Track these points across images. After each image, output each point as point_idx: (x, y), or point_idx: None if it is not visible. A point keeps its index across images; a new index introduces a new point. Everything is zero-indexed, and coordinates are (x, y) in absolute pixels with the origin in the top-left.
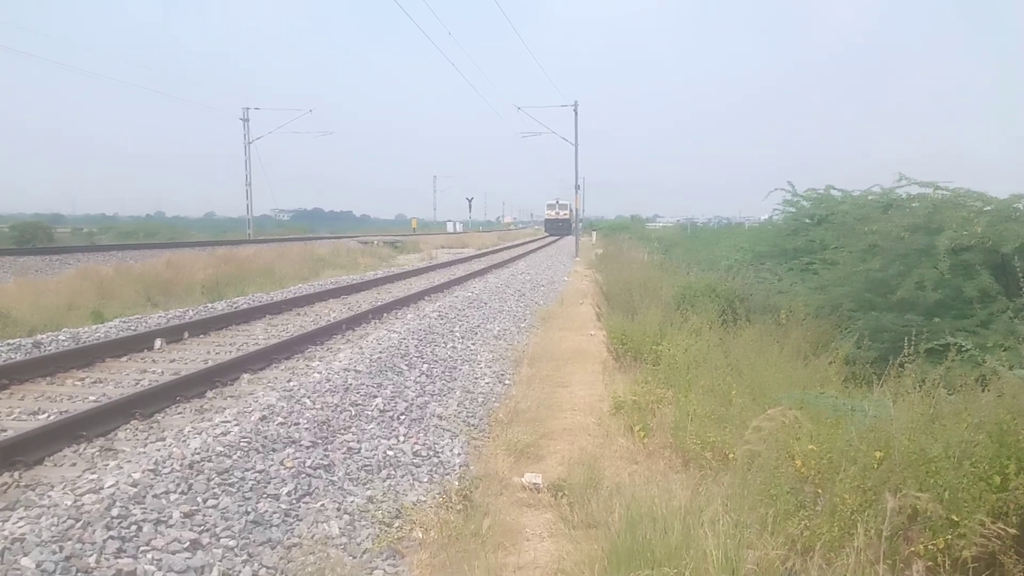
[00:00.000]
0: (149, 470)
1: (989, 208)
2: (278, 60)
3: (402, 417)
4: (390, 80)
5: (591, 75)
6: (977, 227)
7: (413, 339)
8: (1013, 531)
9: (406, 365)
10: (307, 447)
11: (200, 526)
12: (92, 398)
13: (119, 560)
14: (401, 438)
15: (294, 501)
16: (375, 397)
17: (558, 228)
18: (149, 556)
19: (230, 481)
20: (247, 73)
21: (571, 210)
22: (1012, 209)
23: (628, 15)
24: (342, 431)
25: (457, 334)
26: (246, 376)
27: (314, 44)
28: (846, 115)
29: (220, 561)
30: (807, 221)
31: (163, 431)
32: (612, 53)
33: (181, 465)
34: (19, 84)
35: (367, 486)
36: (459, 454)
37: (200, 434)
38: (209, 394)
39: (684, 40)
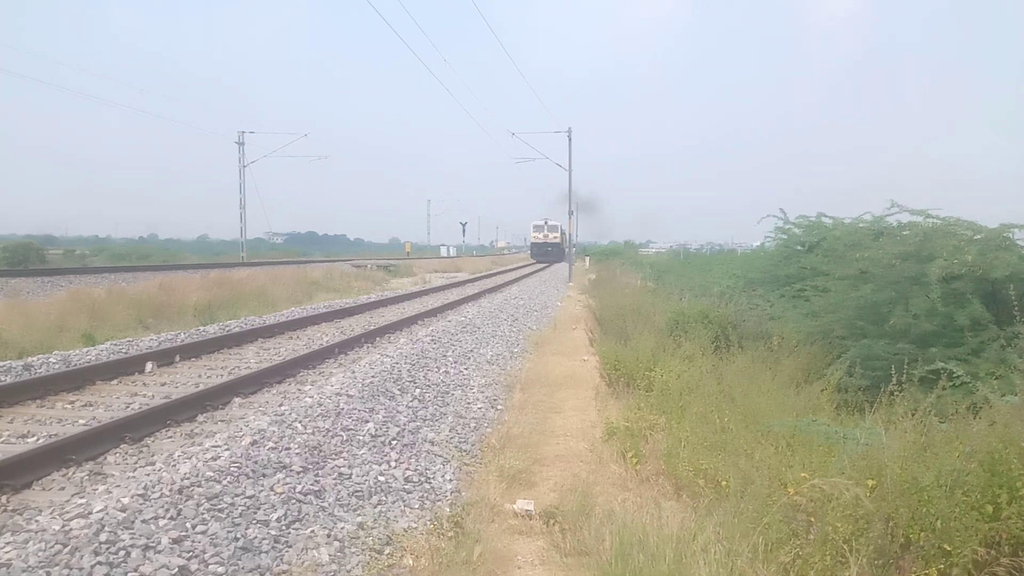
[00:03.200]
0: (138, 495)
1: (979, 237)
2: (274, 85)
3: (394, 442)
4: (385, 106)
5: (583, 105)
6: (968, 255)
7: (406, 364)
8: (1006, 560)
9: (398, 390)
10: (298, 472)
11: (189, 552)
12: (82, 421)
13: None
14: (392, 463)
15: (284, 527)
16: (367, 422)
17: (547, 254)
18: None
19: (220, 507)
20: (242, 97)
21: (562, 232)
22: (1002, 238)
23: (619, 52)
24: (333, 456)
25: (450, 359)
26: (237, 400)
27: (310, 70)
28: (842, 146)
29: None
30: (799, 248)
31: (153, 455)
32: (604, 84)
33: (170, 490)
34: (12, 105)
35: (358, 512)
36: (450, 480)
37: (190, 459)
38: (200, 418)
39: (677, 71)
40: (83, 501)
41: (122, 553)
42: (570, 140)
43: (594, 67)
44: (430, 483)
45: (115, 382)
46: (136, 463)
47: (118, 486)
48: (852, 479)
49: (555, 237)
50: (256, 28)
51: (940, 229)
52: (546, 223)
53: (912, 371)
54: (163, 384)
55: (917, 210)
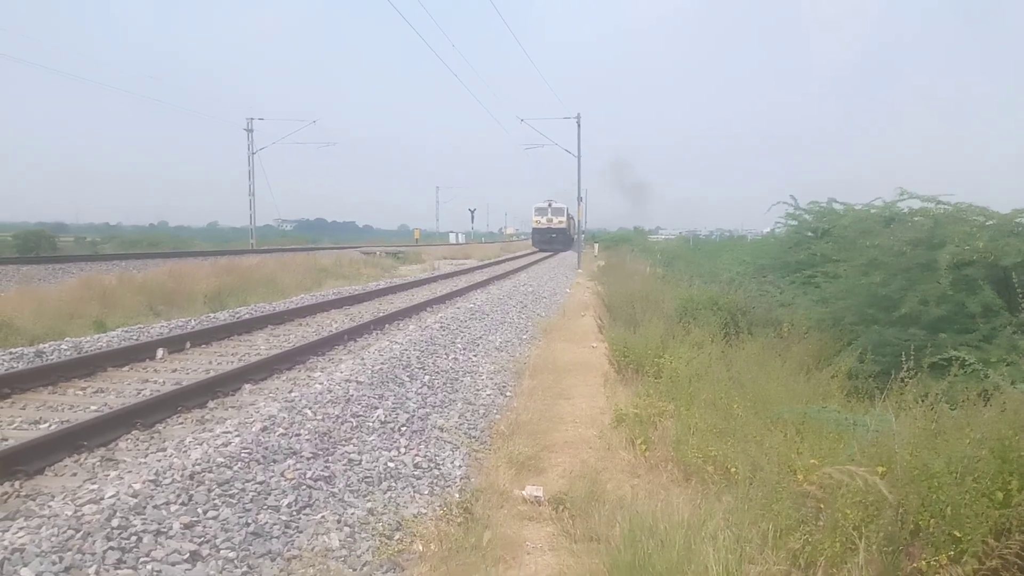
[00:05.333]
0: (150, 481)
1: (991, 223)
2: (282, 73)
3: (403, 429)
4: (394, 92)
5: (593, 91)
6: (979, 242)
7: (415, 350)
8: (1016, 548)
9: (408, 376)
10: (308, 458)
11: (200, 537)
12: (93, 408)
13: (119, 571)
14: (402, 450)
15: (294, 513)
16: (376, 408)
17: (551, 242)
18: (149, 567)
19: (230, 492)
20: (251, 84)
21: (569, 217)
22: (1014, 224)
23: (628, 39)
24: (343, 442)
25: (459, 345)
26: (248, 386)
27: (318, 58)
28: (850, 133)
29: (220, 573)
30: (809, 234)
31: (164, 441)
32: (614, 67)
33: (182, 476)
34: (23, 93)
35: (368, 498)
36: (460, 466)
37: (201, 445)
38: (210, 404)
39: (687, 57)
40: (95, 487)
41: (134, 538)
42: (579, 126)
43: (603, 54)
44: (439, 469)
45: (126, 368)
46: (147, 449)
47: (130, 472)
48: (863, 466)
49: (560, 222)
50: (264, 16)
51: (951, 215)
52: (550, 205)
53: (923, 358)
54: (174, 370)
55: (927, 196)
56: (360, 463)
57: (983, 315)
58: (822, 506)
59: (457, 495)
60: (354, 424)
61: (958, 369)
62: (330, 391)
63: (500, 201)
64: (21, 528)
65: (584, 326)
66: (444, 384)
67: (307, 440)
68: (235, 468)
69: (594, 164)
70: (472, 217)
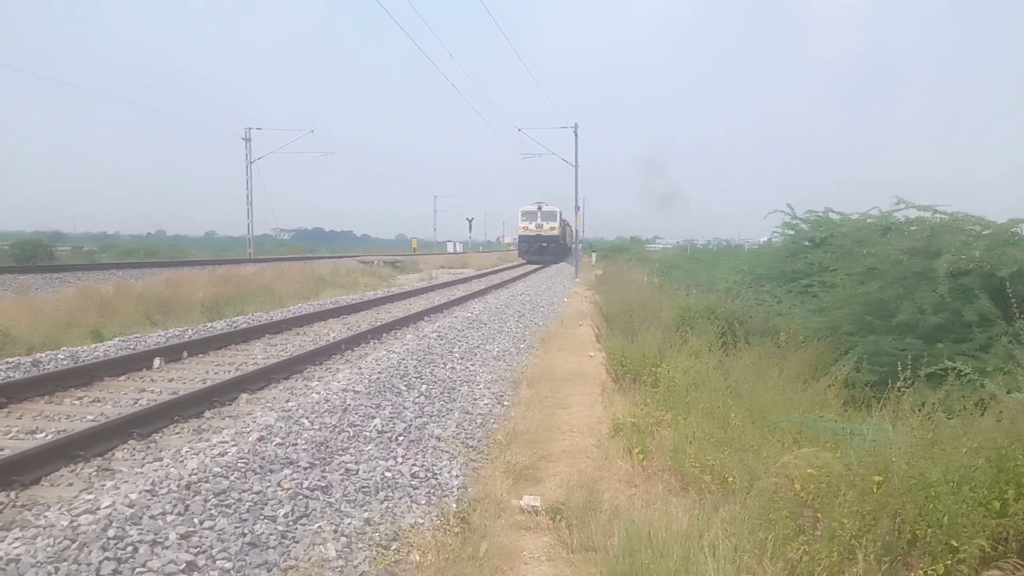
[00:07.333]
0: (146, 491)
1: (987, 232)
2: (280, 83)
3: (400, 438)
4: (391, 102)
5: (589, 99)
6: (975, 251)
7: (412, 360)
8: (1013, 557)
9: (405, 386)
10: (305, 468)
11: (196, 548)
12: (90, 417)
13: None
14: (399, 459)
15: (291, 523)
16: (374, 418)
17: (541, 251)
18: None
19: (227, 502)
20: (249, 92)
21: (562, 222)
22: (1010, 233)
23: (625, 47)
24: (340, 452)
25: (456, 355)
26: (244, 396)
27: (317, 65)
28: (853, 140)
29: None
30: (806, 243)
31: (161, 451)
32: (610, 78)
33: (178, 486)
34: (20, 101)
35: (365, 508)
36: (457, 476)
37: (198, 455)
38: (207, 414)
39: (688, 65)
40: (91, 497)
41: (130, 549)
42: (576, 136)
43: (600, 61)
44: (437, 479)
45: (123, 378)
46: (144, 459)
47: (126, 482)
48: (859, 475)
49: (552, 228)
50: (262, 26)
51: (947, 225)
52: (540, 208)
53: (919, 367)
54: (171, 380)
55: (924, 206)
56: (357, 473)
57: (979, 324)
58: (819, 516)
59: (454, 505)
60: (351, 434)
61: (955, 378)
62: (327, 401)
63: (498, 210)
64: (16, 538)
65: (582, 335)
66: (441, 394)
67: (304, 450)
68: (231, 478)
69: (595, 171)
70: (470, 226)
